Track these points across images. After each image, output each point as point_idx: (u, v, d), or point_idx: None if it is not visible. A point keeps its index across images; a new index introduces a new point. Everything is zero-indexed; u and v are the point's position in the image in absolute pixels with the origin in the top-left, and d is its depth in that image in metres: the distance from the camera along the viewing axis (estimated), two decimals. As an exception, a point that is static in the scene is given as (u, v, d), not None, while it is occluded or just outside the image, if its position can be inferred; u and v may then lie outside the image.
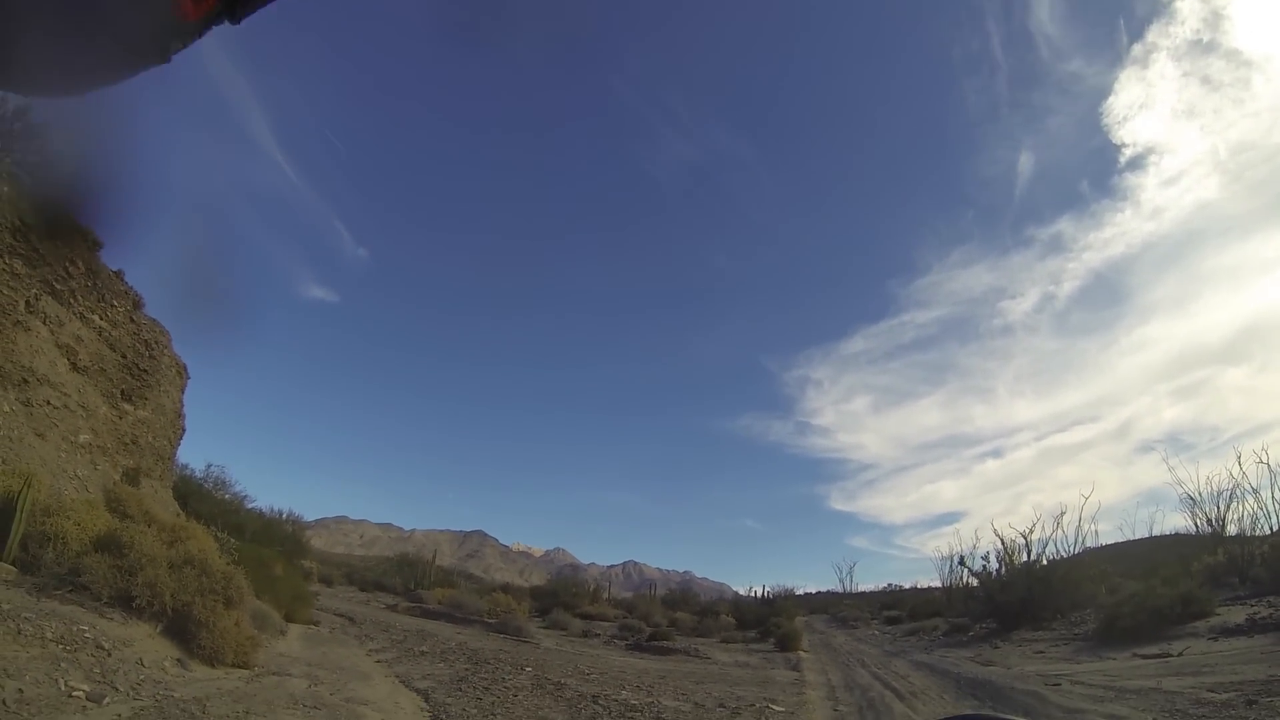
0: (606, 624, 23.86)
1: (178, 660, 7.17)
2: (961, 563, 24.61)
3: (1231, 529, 17.29)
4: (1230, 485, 17.33)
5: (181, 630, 7.71)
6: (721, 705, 9.71)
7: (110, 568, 7.39)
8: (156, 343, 13.98)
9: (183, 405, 15.32)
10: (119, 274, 12.99)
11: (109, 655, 6.16)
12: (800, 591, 40.72)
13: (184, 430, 15.47)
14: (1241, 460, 17.22)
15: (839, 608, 35.63)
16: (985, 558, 22.04)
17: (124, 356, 12.78)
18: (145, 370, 13.37)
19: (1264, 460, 16.54)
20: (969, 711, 8.86)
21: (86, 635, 6.24)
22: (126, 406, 12.75)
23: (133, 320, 13.25)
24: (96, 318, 12.12)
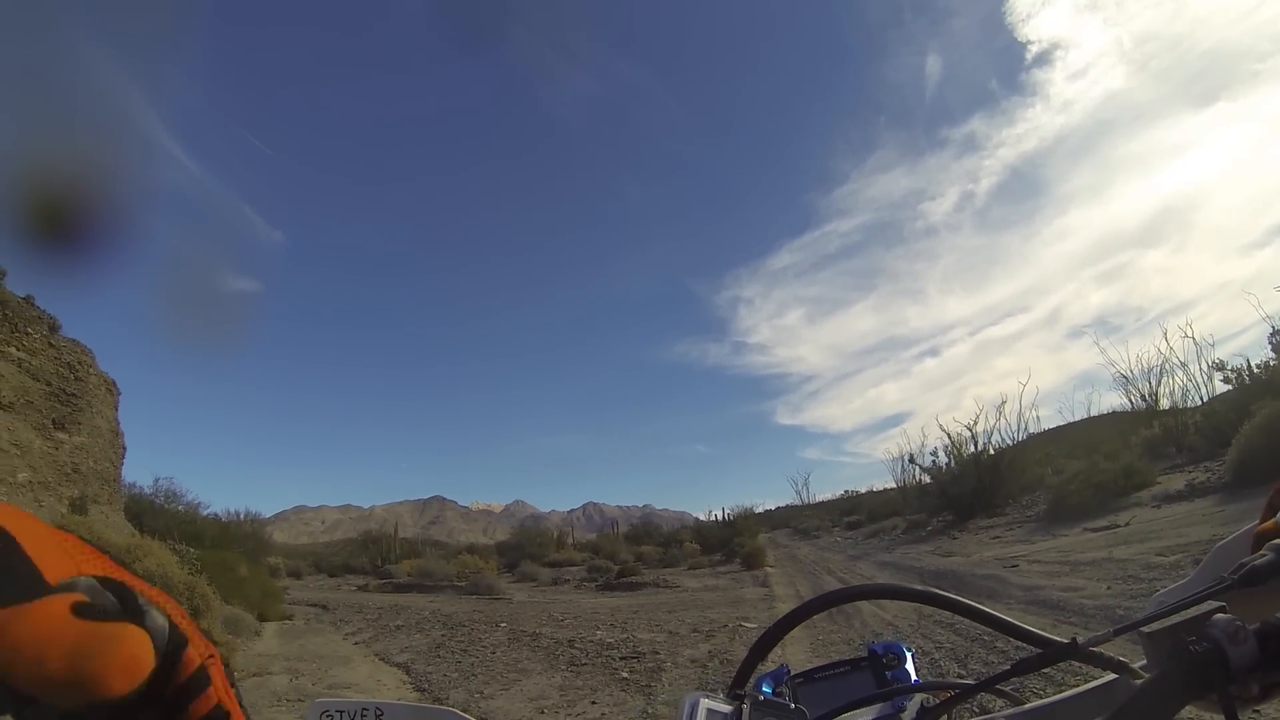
0: (574, 569, 23.92)
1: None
2: (912, 461, 25.15)
3: (1165, 403, 18.01)
4: (1160, 361, 17.98)
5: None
6: (695, 630, 9.66)
7: (70, 604, 7.32)
8: (80, 363, 13.45)
9: (119, 423, 14.89)
10: (29, 299, 12.58)
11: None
12: (760, 509, 40.96)
13: (125, 449, 15.08)
14: (1168, 336, 17.83)
15: (799, 520, 36.62)
16: (934, 454, 22.59)
17: (49, 384, 12.41)
18: (74, 394, 12.97)
19: (1189, 335, 17.15)
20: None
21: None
22: (61, 435, 12.42)
23: (51, 345, 12.84)
24: (13, 349, 11.85)
